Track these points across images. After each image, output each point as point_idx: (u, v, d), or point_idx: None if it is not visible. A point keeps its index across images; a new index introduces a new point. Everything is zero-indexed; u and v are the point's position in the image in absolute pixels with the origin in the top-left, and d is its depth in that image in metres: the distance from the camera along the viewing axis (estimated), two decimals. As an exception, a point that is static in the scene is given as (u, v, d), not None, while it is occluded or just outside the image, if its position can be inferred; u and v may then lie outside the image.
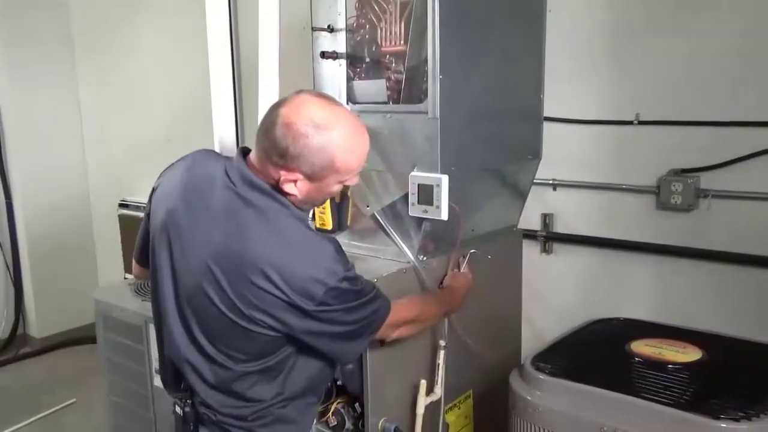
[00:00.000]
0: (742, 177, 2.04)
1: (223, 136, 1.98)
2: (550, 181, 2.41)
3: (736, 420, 1.29)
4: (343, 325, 1.35)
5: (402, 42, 1.69)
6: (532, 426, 1.51)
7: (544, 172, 2.36)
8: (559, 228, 2.45)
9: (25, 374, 3.96)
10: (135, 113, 3.98)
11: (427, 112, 1.63)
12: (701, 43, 2.08)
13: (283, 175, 1.32)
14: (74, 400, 3.45)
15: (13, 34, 3.98)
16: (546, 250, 2.48)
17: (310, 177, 1.33)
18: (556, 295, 2.45)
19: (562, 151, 2.36)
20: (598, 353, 1.63)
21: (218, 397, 1.41)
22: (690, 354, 1.55)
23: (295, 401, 1.46)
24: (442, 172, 1.63)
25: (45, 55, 4.05)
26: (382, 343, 1.65)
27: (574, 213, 2.40)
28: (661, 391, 1.42)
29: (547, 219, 2.46)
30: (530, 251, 2.48)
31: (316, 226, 1.89)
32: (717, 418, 1.30)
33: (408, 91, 1.69)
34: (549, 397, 1.49)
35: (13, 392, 3.76)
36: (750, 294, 2.05)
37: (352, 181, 1.43)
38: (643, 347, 1.59)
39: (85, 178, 4.39)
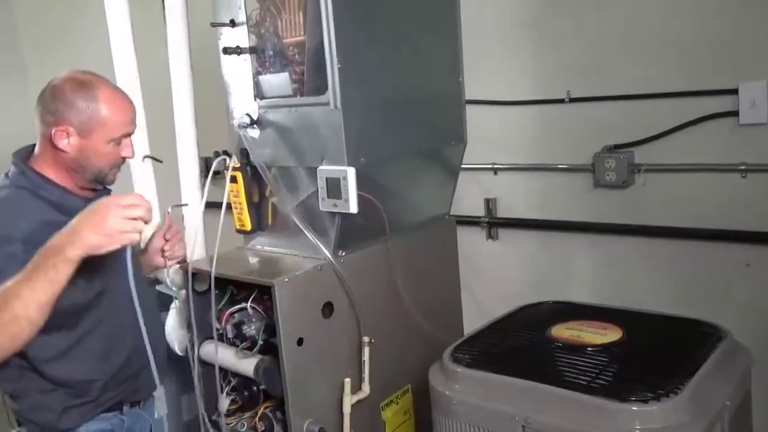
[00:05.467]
0: (675, 149, 2.00)
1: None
2: (490, 166, 2.37)
3: (645, 402, 1.24)
4: None
5: (302, 32, 1.63)
6: (451, 420, 1.46)
7: (483, 156, 2.32)
8: (503, 213, 2.41)
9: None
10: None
11: (328, 103, 1.57)
12: (628, 16, 2.04)
13: (55, 129, 1.46)
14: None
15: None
16: (491, 237, 2.44)
17: (79, 131, 1.47)
18: (504, 282, 2.41)
19: (499, 134, 2.32)
20: (518, 340, 1.58)
21: None
22: (610, 335, 1.50)
23: None
24: (350, 164, 1.58)
25: None
26: (300, 342, 1.61)
27: (516, 196, 2.37)
28: (577, 375, 1.37)
29: (490, 204, 2.42)
30: (475, 238, 2.45)
31: (236, 228, 1.85)
32: (627, 401, 1.25)
33: (311, 82, 1.63)
34: (466, 389, 1.44)
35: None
36: (682, 268, 2.01)
37: (126, 151, 1.55)
38: (563, 331, 1.55)
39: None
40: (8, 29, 4.10)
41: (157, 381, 1.73)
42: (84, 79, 1.51)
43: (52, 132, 1.48)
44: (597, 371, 1.37)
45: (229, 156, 2.34)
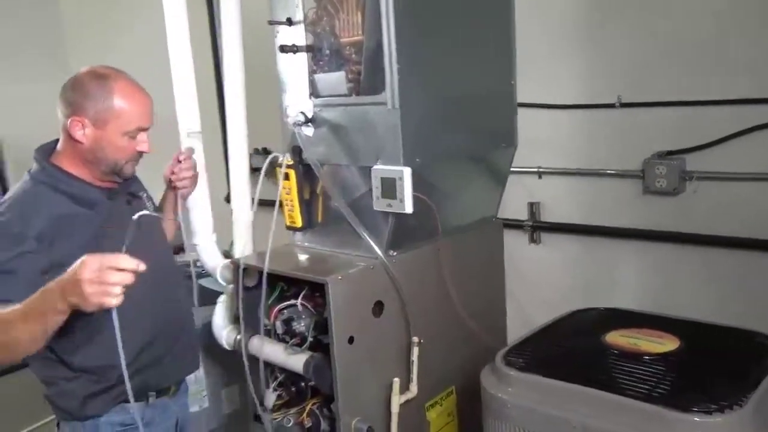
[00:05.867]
0: (729, 157, 1.97)
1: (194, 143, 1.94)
2: (535, 169, 2.36)
3: (709, 413, 1.22)
4: None
5: (360, 32, 1.64)
6: (504, 424, 1.45)
7: (528, 160, 2.30)
8: (547, 217, 2.40)
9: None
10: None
11: (386, 103, 1.57)
12: (682, 21, 2.01)
13: (71, 119, 1.50)
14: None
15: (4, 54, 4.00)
16: (534, 240, 2.43)
17: (94, 121, 1.50)
18: (546, 286, 2.40)
19: (545, 138, 2.31)
20: (572, 345, 1.57)
21: None
22: (667, 344, 1.48)
23: None
24: (405, 164, 1.58)
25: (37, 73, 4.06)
26: (351, 340, 1.62)
27: (561, 201, 2.35)
28: (635, 383, 1.36)
29: (534, 208, 2.40)
30: (518, 242, 2.43)
31: (286, 224, 1.86)
32: (689, 411, 1.24)
33: (368, 82, 1.64)
34: (519, 393, 1.44)
35: (20, 399, 3.78)
36: (736, 279, 1.98)
37: (142, 145, 1.57)
38: (618, 338, 1.53)
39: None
40: (54, 31, 4.16)
41: (198, 373, 1.75)
42: (102, 72, 1.54)
43: (69, 122, 1.51)
44: (656, 380, 1.36)
45: (269, 153, 2.35)
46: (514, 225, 2.40)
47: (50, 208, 1.50)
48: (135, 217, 1.49)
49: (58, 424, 1.67)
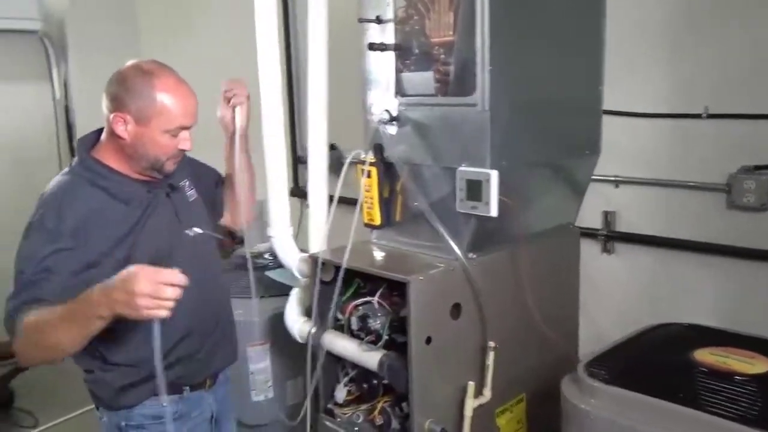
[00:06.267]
0: (823, 174, 1.89)
1: (271, 134, 1.96)
2: (612, 178, 2.31)
3: (808, 439, 1.18)
4: None
5: (451, 32, 1.63)
6: (585, 435, 1.42)
7: (605, 168, 2.25)
8: (621, 227, 2.34)
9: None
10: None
11: (476, 105, 1.56)
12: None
13: (114, 115, 1.49)
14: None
15: (83, 39, 4.13)
16: (607, 250, 2.38)
17: (136, 118, 1.49)
18: (617, 297, 2.34)
19: (624, 146, 2.25)
20: (657, 360, 1.53)
21: None
22: (758, 365, 1.43)
23: None
24: (492, 167, 1.57)
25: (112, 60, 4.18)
26: (428, 341, 1.61)
27: (638, 211, 2.29)
28: (727, 404, 1.31)
29: (608, 217, 2.35)
30: (590, 250, 2.38)
31: (364, 222, 1.87)
32: (786, 435, 1.19)
33: (457, 82, 1.63)
34: (603, 405, 1.41)
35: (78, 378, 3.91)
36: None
37: (184, 143, 1.56)
38: (707, 356, 1.48)
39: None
40: (131, 34, 4.29)
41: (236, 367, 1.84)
42: (147, 68, 1.52)
43: (111, 118, 1.51)
44: (748, 402, 1.31)
45: (334, 149, 2.36)
46: (587, 233, 2.35)
47: (85, 203, 1.51)
48: (189, 232, 1.54)
49: (98, 408, 1.72)
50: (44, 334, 1.40)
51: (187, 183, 1.75)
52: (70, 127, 4.21)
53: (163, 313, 1.30)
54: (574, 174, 1.89)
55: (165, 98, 1.50)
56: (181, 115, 1.53)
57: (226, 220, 1.97)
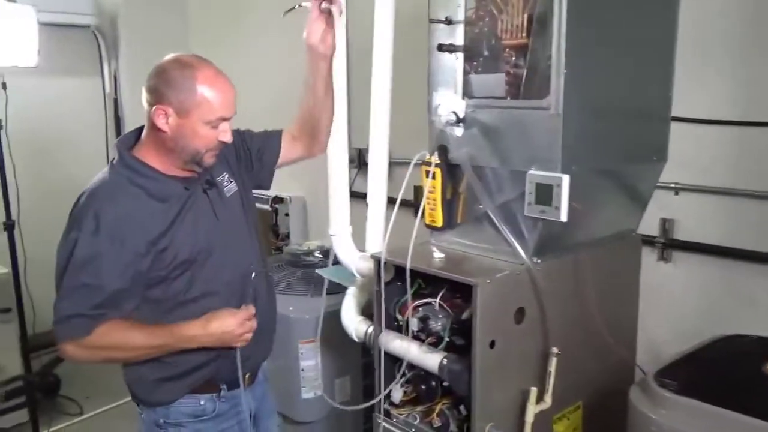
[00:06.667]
0: None
1: (333, 133, 1.97)
2: (672, 185, 2.27)
3: None
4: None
5: (524, 35, 1.62)
6: (655, 446, 1.40)
7: (664, 174, 2.21)
8: (680, 235, 2.30)
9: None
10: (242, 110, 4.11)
11: (548, 108, 1.55)
12: None
13: (155, 108, 1.50)
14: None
15: (134, 34, 4.20)
16: (664, 258, 2.34)
17: (177, 110, 1.50)
18: (674, 307, 2.30)
19: (685, 153, 2.21)
20: (728, 372, 1.50)
21: None
22: (838, 380, 1.40)
23: None
24: (563, 171, 1.55)
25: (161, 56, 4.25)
26: (492, 345, 1.60)
27: (698, 220, 2.25)
28: (806, 420, 1.29)
29: (666, 225, 2.32)
30: (646, 258, 2.34)
31: (426, 223, 1.86)
32: None
33: (529, 85, 1.61)
34: (675, 416, 1.39)
35: (120, 368, 3.97)
36: None
37: (224, 135, 1.57)
38: (781, 369, 1.46)
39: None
40: (181, 30, 4.34)
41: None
42: (186, 61, 1.53)
43: (153, 111, 1.51)
44: (828, 417, 1.28)
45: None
46: (644, 240, 2.32)
47: (122, 206, 1.52)
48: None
49: (138, 405, 1.74)
50: (117, 351, 1.58)
51: (226, 176, 1.74)
52: (118, 121, 4.28)
53: (246, 342, 1.64)
54: (639, 180, 1.86)
55: (205, 90, 1.51)
56: (221, 106, 1.53)
57: (289, 155, 1.90)
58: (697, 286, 2.27)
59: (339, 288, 2.49)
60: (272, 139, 1.87)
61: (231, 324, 1.58)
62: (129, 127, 4.40)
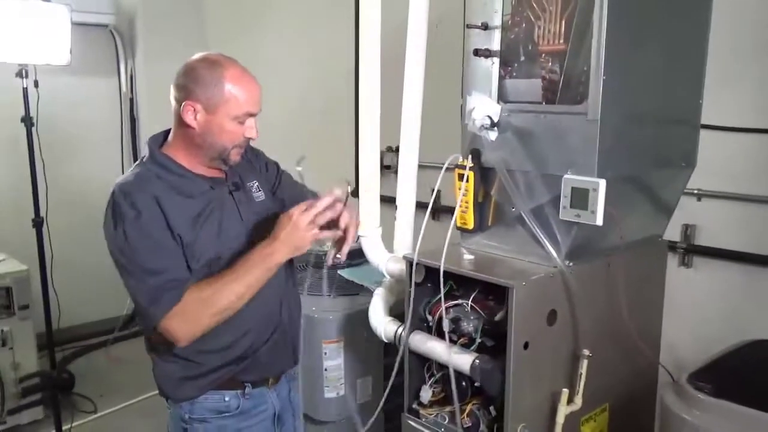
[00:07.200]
0: None
1: (366, 134, 1.99)
2: (695, 191, 2.29)
3: None
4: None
5: (561, 41, 1.64)
6: (690, 447, 1.43)
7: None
8: (702, 241, 2.33)
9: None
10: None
11: (586, 114, 1.57)
12: None
13: (184, 104, 1.54)
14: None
15: (152, 35, 4.22)
16: (685, 263, 2.37)
17: (205, 106, 1.54)
18: (695, 311, 2.33)
19: (709, 160, 2.23)
20: (761, 376, 1.52)
21: None
22: None
23: None
24: (599, 176, 1.57)
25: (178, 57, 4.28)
26: (525, 346, 1.62)
27: (721, 226, 2.28)
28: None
29: (688, 230, 2.34)
30: (668, 263, 2.37)
31: (457, 225, 1.88)
32: None
33: (566, 90, 1.64)
34: (710, 418, 1.42)
35: (134, 366, 3.99)
36: None
37: (250, 131, 1.60)
38: (814, 374, 1.48)
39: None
40: (198, 31, 4.36)
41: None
42: (213, 59, 1.58)
43: (182, 107, 1.55)
44: None
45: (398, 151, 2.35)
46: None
47: (152, 190, 1.55)
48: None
49: (167, 400, 1.75)
50: (217, 301, 1.55)
51: (256, 185, 1.77)
52: (134, 121, 4.31)
53: (316, 237, 1.61)
54: (667, 186, 1.89)
55: (232, 86, 1.55)
56: (248, 101, 1.57)
57: None
58: (717, 291, 2.30)
59: (358, 289, 2.53)
60: (303, 197, 1.87)
61: (290, 225, 1.57)
62: (144, 127, 4.45)
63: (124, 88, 4.27)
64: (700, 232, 2.33)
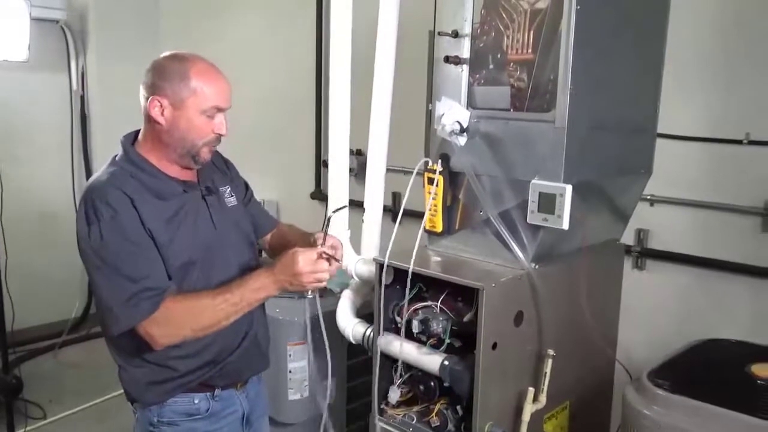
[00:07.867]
0: None
1: (336, 139, 2.01)
2: (648, 197, 2.39)
3: None
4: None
5: (529, 50, 1.70)
6: (651, 442, 1.50)
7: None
8: (654, 244, 2.43)
9: (96, 352, 4.09)
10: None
11: (553, 121, 1.63)
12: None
13: (150, 99, 1.54)
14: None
15: (104, 31, 4.13)
16: (638, 266, 2.47)
17: (172, 101, 1.53)
18: (647, 312, 2.43)
19: (662, 167, 2.34)
20: (716, 373, 1.61)
21: None
22: (814, 380, 1.52)
23: None
24: (565, 182, 1.63)
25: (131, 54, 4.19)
26: (494, 346, 1.67)
27: (672, 230, 2.38)
28: (791, 417, 1.40)
29: (641, 234, 2.44)
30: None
31: (425, 228, 1.92)
32: None
33: (534, 99, 1.69)
34: (669, 414, 1.49)
35: (84, 370, 3.89)
36: None
37: (220, 127, 1.58)
38: (764, 370, 1.57)
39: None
40: (152, 29, 4.29)
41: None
42: (181, 55, 1.58)
43: (148, 103, 1.54)
44: (812, 414, 1.39)
45: (362, 154, 2.37)
46: (620, 249, 2.44)
47: (127, 189, 1.52)
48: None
49: (132, 404, 1.73)
50: (202, 317, 1.55)
51: (228, 190, 1.76)
52: (84, 119, 4.19)
53: (323, 284, 1.58)
54: (628, 192, 1.97)
55: (199, 79, 1.54)
56: (215, 95, 1.56)
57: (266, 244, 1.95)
58: (669, 292, 2.40)
59: (326, 292, 2.53)
60: (268, 223, 1.93)
61: (297, 266, 1.51)
62: (95, 125, 4.35)
63: (75, 86, 4.15)
64: (652, 237, 2.43)
